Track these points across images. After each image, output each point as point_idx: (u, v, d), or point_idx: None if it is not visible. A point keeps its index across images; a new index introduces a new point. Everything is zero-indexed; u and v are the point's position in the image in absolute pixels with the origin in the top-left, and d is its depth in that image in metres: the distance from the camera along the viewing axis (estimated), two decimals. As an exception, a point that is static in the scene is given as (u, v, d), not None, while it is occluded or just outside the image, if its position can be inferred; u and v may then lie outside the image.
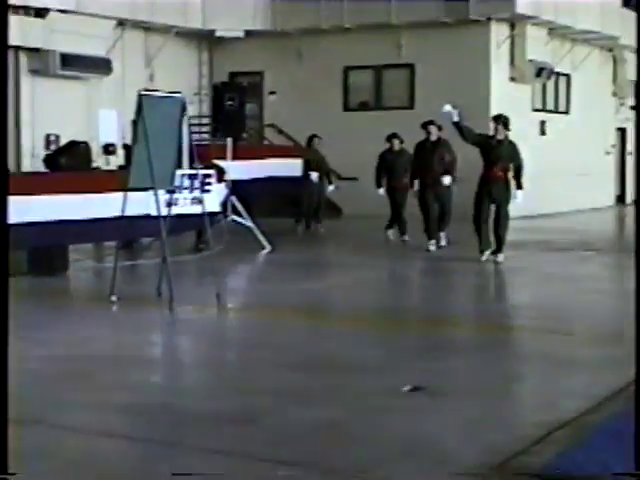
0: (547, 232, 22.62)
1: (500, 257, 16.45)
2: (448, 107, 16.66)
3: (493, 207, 16.50)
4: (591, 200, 31.09)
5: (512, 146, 16.53)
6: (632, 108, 35.13)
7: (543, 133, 29.27)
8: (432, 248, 18.26)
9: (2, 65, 5.43)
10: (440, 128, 18.36)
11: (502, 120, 16.56)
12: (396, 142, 20.28)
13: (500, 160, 16.27)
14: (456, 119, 16.22)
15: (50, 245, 14.75)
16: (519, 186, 16.44)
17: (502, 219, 16.45)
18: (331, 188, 23.14)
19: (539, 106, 29.72)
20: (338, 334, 10.82)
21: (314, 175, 22.40)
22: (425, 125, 18.59)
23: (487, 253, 16.44)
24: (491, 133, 16.71)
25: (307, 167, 22.18)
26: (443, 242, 18.70)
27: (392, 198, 20.32)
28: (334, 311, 12.72)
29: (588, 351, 9.74)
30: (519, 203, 16.58)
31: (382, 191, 20.45)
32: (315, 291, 14.44)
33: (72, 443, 6.61)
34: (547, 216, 26.10)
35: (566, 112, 31.13)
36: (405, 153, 19.98)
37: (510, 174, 16.40)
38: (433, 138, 18.51)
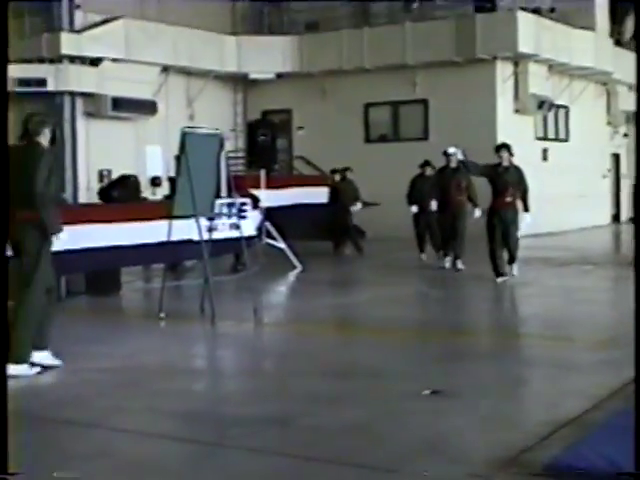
0: (549, 249, 22.53)
1: (514, 269, 16.11)
2: (453, 149, 16.60)
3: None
4: (589, 219, 31.00)
5: (518, 171, 15.96)
6: (625, 135, 35.11)
7: (545, 159, 29.20)
8: (447, 265, 18.18)
9: (2, 67, 5.29)
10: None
11: (506, 148, 15.99)
12: (428, 169, 19.95)
13: (509, 185, 15.69)
14: (461, 157, 16.13)
15: (105, 268, 14.81)
16: (526, 209, 15.95)
17: (512, 241, 15.91)
18: (358, 207, 22.58)
19: (541, 135, 29.66)
20: (364, 344, 10.82)
21: (358, 205, 22.34)
22: (447, 153, 18.13)
23: (502, 279, 15.75)
24: (496, 162, 16.01)
25: (335, 194, 22.16)
26: (460, 266, 17.89)
27: (418, 219, 19.98)
28: (360, 323, 12.69)
29: (588, 355, 9.71)
30: (529, 224, 16.14)
31: (415, 208, 19.95)
32: (343, 306, 14.45)
33: (127, 444, 6.65)
34: (549, 234, 25.99)
35: (566, 140, 31.07)
36: (432, 178, 19.70)
37: (518, 199, 15.88)
38: (453, 165, 18.00)
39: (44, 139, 8.99)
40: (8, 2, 5.22)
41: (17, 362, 8.68)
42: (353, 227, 22.71)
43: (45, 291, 9.01)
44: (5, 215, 5.19)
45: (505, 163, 15.84)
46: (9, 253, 8.88)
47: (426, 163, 20.12)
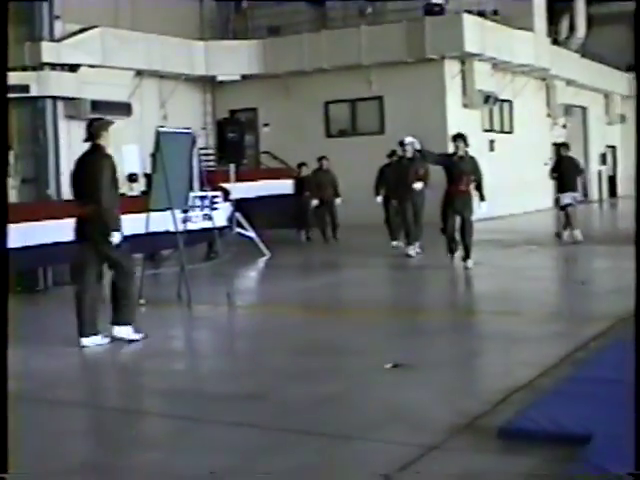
0: (497, 232, 22.57)
1: (469, 263, 15.15)
2: (410, 138, 16.24)
3: (458, 218, 15.33)
4: (533, 204, 31.15)
5: (473, 161, 15.33)
6: (563, 126, 35.34)
7: (492, 150, 29.29)
8: (411, 253, 17.64)
9: (2, 69, 5.14)
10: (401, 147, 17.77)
11: (462, 138, 15.36)
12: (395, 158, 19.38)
13: (464, 174, 15.04)
14: (418, 147, 15.92)
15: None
16: (482, 198, 15.38)
17: (467, 228, 15.19)
18: (338, 202, 21.99)
19: (488, 127, 29.74)
20: (331, 323, 10.82)
21: (338, 201, 21.85)
22: (402, 144, 17.72)
23: (455, 255, 15.41)
24: (452, 151, 15.62)
25: (300, 185, 22.13)
26: (418, 249, 17.66)
27: (387, 207, 19.57)
28: (327, 304, 12.67)
29: (536, 328, 9.76)
30: (484, 213, 15.80)
31: (380, 199, 19.49)
32: (310, 288, 14.43)
33: (116, 421, 6.63)
34: (497, 218, 26.03)
35: (510, 132, 31.20)
36: (392, 167, 19.27)
37: (472, 187, 15.25)
38: (409, 155, 17.53)
39: (104, 141, 9.77)
40: (8, 2, 5.08)
41: (126, 324, 9.51)
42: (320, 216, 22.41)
43: (97, 277, 9.67)
44: (5, 211, 5.07)
45: (460, 152, 15.23)
46: (71, 239, 9.86)
47: (393, 153, 19.79)
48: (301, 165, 22.91)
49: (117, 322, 9.59)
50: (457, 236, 15.47)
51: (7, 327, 4.69)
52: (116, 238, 9.46)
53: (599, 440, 5.23)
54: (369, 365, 8.01)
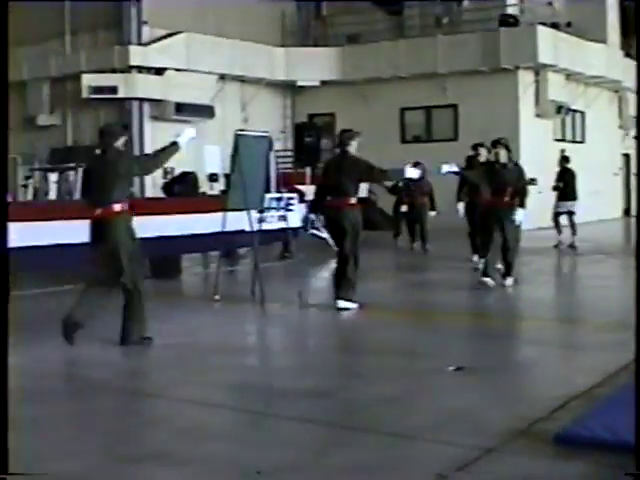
0: (566, 240, 22.33)
1: (509, 281, 13.62)
2: (446, 167, 14.93)
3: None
4: (603, 213, 30.80)
5: (518, 169, 13.61)
6: (635, 137, 34.91)
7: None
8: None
9: (3, 68, 5.14)
10: (489, 151, 15.29)
11: (502, 143, 13.48)
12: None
13: (506, 184, 13.25)
14: (456, 169, 15.00)
15: (167, 255, 14.95)
16: (521, 204, 13.31)
17: (511, 243, 13.45)
18: (431, 214, 20.82)
19: (559, 137, 29.50)
20: (396, 325, 10.83)
21: (432, 213, 20.73)
22: (475, 147, 16.58)
23: (488, 280, 13.35)
24: (493, 159, 13.78)
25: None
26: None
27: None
28: (393, 306, 12.67)
29: (597, 336, 9.67)
30: (521, 221, 13.66)
31: (461, 206, 17.14)
32: (378, 290, 14.41)
33: (187, 412, 6.73)
34: (566, 227, 25.76)
35: (582, 142, 30.91)
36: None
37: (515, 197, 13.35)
38: (482, 159, 15.88)
39: (352, 148, 11.34)
40: (8, 2, 5.14)
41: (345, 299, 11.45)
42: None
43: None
44: (5, 212, 4.95)
45: (502, 159, 13.40)
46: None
47: (471, 158, 17.26)
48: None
49: (339, 297, 11.45)
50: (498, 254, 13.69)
51: (7, 328, 4.76)
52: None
53: (653, 449, 5.18)
54: (433, 367, 8.01)
